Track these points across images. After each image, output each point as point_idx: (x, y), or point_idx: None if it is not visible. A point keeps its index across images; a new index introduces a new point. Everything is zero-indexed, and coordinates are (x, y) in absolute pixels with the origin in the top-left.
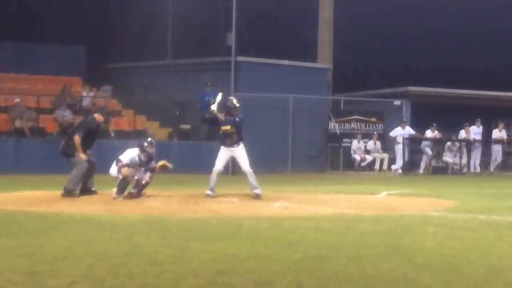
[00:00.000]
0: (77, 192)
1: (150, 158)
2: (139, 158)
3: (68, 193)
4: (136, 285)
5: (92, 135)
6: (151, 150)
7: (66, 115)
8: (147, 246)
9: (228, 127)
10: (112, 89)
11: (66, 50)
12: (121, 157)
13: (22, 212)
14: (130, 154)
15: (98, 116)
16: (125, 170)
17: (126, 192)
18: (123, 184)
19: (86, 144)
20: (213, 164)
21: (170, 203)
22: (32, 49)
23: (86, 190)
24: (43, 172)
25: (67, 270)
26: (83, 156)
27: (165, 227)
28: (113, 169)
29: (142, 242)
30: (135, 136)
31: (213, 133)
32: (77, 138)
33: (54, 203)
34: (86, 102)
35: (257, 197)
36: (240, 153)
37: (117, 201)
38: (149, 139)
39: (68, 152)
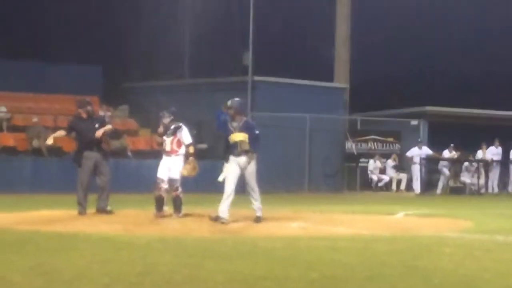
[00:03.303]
0: (80, 207)
1: (166, 129)
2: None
3: (103, 211)
4: None
5: (81, 132)
6: (166, 120)
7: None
8: (163, 266)
9: (240, 135)
10: (129, 109)
11: (83, 70)
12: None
13: (38, 231)
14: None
15: (80, 112)
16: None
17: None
18: (155, 200)
19: (83, 144)
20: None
21: (186, 222)
22: (49, 69)
23: (99, 210)
24: (60, 191)
25: None
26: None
27: (181, 247)
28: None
29: (158, 262)
30: (152, 155)
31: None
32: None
33: (70, 222)
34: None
35: (258, 220)
36: (252, 166)
37: (134, 220)
38: (166, 110)
39: (73, 161)
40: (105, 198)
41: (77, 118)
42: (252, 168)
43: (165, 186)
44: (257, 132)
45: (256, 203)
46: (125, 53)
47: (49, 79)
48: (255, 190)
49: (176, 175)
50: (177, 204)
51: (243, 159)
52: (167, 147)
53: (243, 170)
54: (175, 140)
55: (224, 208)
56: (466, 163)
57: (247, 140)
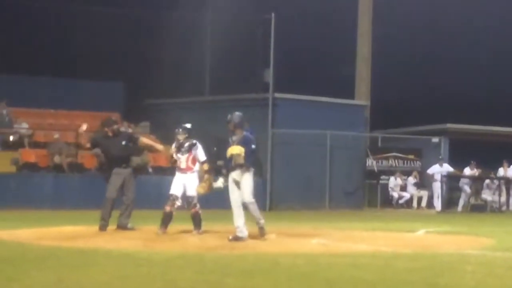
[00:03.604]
0: (103, 223)
1: (180, 146)
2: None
3: (124, 228)
4: None
5: (107, 149)
6: (181, 137)
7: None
8: (183, 282)
9: (236, 149)
10: (150, 125)
11: (104, 86)
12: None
13: (59, 247)
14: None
15: (107, 131)
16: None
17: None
18: (163, 217)
19: (112, 161)
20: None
21: (206, 238)
22: (70, 85)
23: (120, 227)
24: (81, 207)
25: None
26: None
27: (201, 263)
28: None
29: (178, 278)
30: (173, 172)
31: None
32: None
33: (91, 238)
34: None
35: (262, 231)
36: (247, 180)
37: (154, 236)
38: (182, 126)
39: (102, 175)
40: (128, 215)
41: (102, 136)
42: (246, 182)
43: (178, 203)
44: (253, 146)
45: (255, 216)
46: (146, 70)
47: (71, 96)
48: (249, 205)
49: (193, 192)
50: (196, 221)
51: (236, 172)
52: (182, 165)
53: (238, 184)
54: (190, 157)
55: (239, 224)
56: (487, 181)
57: (242, 154)
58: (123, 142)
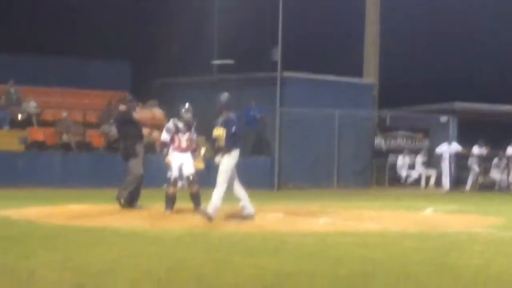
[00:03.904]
0: (122, 200)
1: (189, 125)
2: (175, 125)
3: (118, 200)
4: None
5: (129, 129)
6: (187, 115)
7: (113, 129)
8: (192, 260)
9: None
10: (158, 104)
11: (112, 65)
12: (162, 136)
13: (68, 225)
14: (165, 128)
15: (122, 107)
16: (168, 160)
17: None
18: (168, 198)
19: (134, 138)
20: (259, 179)
21: (214, 217)
22: (78, 64)
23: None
24: (89, 186)
25: (112, 283)
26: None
27: (209, 242)
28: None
29: (186, 256)
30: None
31: (258, 148)
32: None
33: (99, 217)
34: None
35: (198, 210)
36: (226, 162)
37: (162, 215)
38: (187, 105)
39: (126, 154)
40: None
41: (122, 115)
42: (224, 165)
43: (180, 184)
44: (233, 128)
45: (212, 199)
46: (154, 49)
47: (79, 74)
48: (217, 185)
49: (192, 170)
50: (197, 200)
51: (219, 154)
52: (183, 144)
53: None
54: (190, 137)
55: (243, 204)
56: (495, 160)
57: (223, 136)
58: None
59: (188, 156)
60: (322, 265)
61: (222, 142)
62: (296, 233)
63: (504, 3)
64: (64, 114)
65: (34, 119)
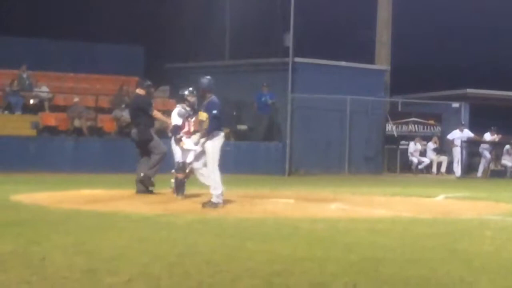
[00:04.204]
0: (153, 180)
1: (193, 108)
2: (184, 109)
3: (147, 180)
4: (191, 285)
5: (143, 114)
6: (192, 99)
7: (124, 114)
8: (203, 246)
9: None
10: (170, 89)
11: (124, 50)
12: (172, 121)
13: (79, 210)
14: (175, 113)
15: (139, 91)
16: (182, 143)
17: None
18: (177, 184)
19: (149, 121)
20: (270, 165)
21: (226, 203)
22: (90, 49)
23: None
24: (101, 171)
25: (123, 268)
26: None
27: (221, 227)
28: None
29: (198, 242)
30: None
31: (270, 133)
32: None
33: (111, 202)
34: None
35: (209, 205)
36: (209, 146)
37: (173, 200)
38: (190, 88)
39: (144, 138)
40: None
41: (140, 97)
42: (209, 149)
43: (188, 169)
44: (214, 112)
45: (203, 178)
46: (166, 34)
47: (91, 59)
48: (211, 174)
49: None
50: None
51: (203, 138)
52: (192, 128)
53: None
54: (196, 120)
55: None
56: (507, 146)
57: (206, 119)
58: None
59: (192, 138)
60: (333, 251)
61: (205, 125)
62: (307, 219)
63: None
64: (76, 99)
65: (46, 104)
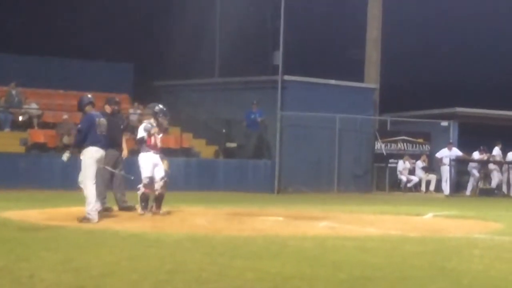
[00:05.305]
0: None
1: (160, 128)
2: (151, 125)
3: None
4: None
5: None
6: (163, 120)
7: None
8: (192, 263)
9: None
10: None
11: (114, 67)
12: (139, 134)
13: (68, 227)
14: (141, 128)
15: (106, 108)
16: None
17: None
18: (143, 199)
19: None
20: (259, 182)
21: (215, 221)
22: (80, 66)
23: (122, 207)
24: None
25: (112, 285)
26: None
27: (210, 245)
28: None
29: (187, 259)
30: (182, 153)
31: (259, 151)
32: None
33: (99, 219)
34: (133, 118)
35: (82, 220)
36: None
37: (161, 218)
38: (164, 108)
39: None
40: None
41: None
42: (82, 164)
43: (156, 183)
44: (79, 126)
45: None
46: (156, 51)
47: (80, 77)
48: (85, 188)
49: (163, 172)
50: (160, 201)
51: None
52: (159, 144)
53: None
54: (162, 138)
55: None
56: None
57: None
58: (121, 126)
59: (159, 156)
60: (322, 269)
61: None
62: (296, 237)
63: (506, 7)
64: (65, 116)
65: (35, 120)
